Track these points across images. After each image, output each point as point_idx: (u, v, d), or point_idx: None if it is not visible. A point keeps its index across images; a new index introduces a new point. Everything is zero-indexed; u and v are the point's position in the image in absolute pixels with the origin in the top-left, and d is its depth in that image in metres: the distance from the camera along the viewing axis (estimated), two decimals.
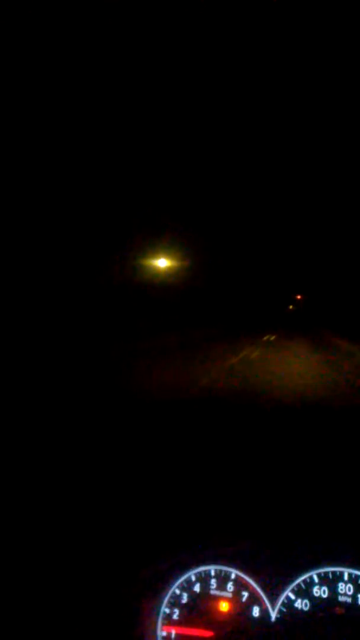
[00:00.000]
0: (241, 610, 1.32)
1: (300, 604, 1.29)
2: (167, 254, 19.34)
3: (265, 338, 18.64)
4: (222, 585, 1.35)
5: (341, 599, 1.28)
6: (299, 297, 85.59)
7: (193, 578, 1.37)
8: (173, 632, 1.34)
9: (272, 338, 18.89)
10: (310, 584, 1.30)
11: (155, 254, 19.01)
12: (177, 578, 1.36)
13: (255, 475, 1.43)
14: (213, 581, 1.36)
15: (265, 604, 1.30)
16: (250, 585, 1.32)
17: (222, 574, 1.35)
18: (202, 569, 1.36)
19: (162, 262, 19.35)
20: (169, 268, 19.76)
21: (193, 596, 1.36)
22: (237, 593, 1.33)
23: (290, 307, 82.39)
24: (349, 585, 1.29)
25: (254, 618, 1.31)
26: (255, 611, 1.31)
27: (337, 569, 1.29)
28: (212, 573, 1.36)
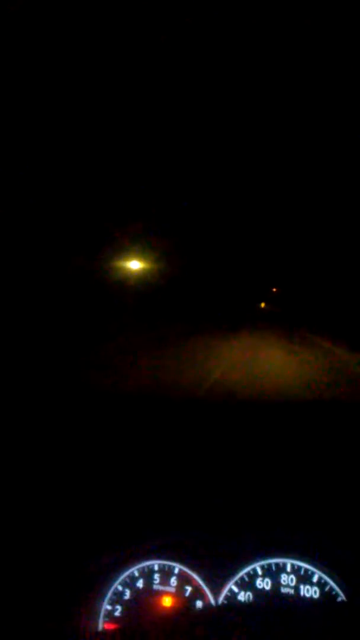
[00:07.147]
0: (184, 604, 1.30)
1: (244, 596, 1.29)
2: (140, 256, 19.26)
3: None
4: (165, 580, 1.33)
5: (284, 590, 1.28)
6: (274, 290, 69.13)
7: (136, 573, 1.34)
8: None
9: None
10: (253, 576, 1.30)
11: (127, 256, 18.93)
12: (119, 574, 1.34)
13: (198, 468, 1.42)
14: (156, 576, 1.34)
15: (208, 597, 1.29)
16: (194, 579, 1.31)
17: (166, 568, 1.34)
18: (145, 564, 1.34)
19: (135, 264, 19.26)
20: (141, 270, 19.68)
21: (136, 592, 1.34)
22: (180, 587, 1.32)
23: (262, 304, 66.08)
24: (292, 576, 1.29)
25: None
26: (199, 605, 1.30)
27: (280, 560, 1.29)
28: (156, 568, 1.34)
